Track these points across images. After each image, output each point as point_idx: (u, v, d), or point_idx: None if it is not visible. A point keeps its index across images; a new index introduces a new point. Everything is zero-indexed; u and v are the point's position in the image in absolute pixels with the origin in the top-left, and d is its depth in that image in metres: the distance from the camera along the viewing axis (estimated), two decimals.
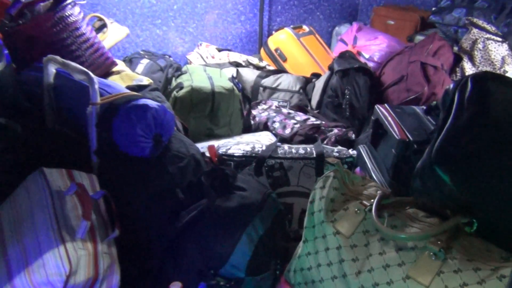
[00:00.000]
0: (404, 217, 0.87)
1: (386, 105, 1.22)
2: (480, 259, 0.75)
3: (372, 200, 0.91)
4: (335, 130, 1.73)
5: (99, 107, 1.12)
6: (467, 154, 0.78)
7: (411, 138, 1.02)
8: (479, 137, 0.78)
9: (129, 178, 1.11)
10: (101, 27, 2.07)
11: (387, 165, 1.10)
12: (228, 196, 1.03)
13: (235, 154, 1.33)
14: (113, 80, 1.65)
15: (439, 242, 0.77)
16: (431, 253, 0.77)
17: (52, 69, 1.25)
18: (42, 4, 1.59)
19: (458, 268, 0.74)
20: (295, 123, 1.79)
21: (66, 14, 1.50)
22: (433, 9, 2.34)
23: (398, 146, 1.04)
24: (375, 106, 1.24)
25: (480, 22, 1.93)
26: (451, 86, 0.86)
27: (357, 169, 1.29)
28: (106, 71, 1.67)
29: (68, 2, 1.52)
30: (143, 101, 1.13)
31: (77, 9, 1.56)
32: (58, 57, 1.21)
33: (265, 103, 2.01)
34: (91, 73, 1.12)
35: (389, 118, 1.13)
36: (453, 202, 0.80)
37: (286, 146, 1.35)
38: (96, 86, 1.12)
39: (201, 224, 1.00)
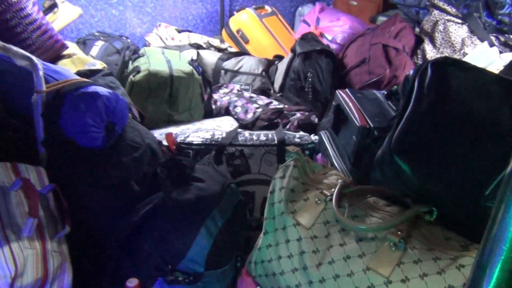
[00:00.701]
0: (364, 207, 0.85)
1: (347, 90, 1.19)
2: (440, 248, 0.74)
3: (332, 190, 0.89)
4: (298, 114, 1.70)
5: (45, 95, 1.05)
6: (427, 142, 0.76)
7: (372, 125, 1.00)
8: (440, 124, 0.77)
9: (80, 170, 1.05)
10: (51, 7, 1.94)
11: (348, 152, 1.09)
12: (185, 188, 0.99)
13: (194, 142, 1.28)
14: (64, 64, 1.56)
15: (399, 233, 0.76)
16: (391, 244, 0.76)
17: None
18: None
19: (418, 259, 0.73)
20: (257, 107, 1.75)
21: None
22: None
23: (359, 133, 1.02)
24: (336, 91, 1.22)
25: (440, 4, 1.93)
26: (411, 72, 0.84)
27: (319, 156, 1.27)
28: (56, 55, 1.57)
29: None
30: (93, 88, 1.06)
31: None
32: None
33: (226, 87, 1.96)
34: (34, 58, 1.04)
35: (350, 104, 1.11)
36: (413, 191, 0.79)
37: (247, 133, 1.32)
38: (41, 73, 1.04)
39: (157, 218, 0.96)
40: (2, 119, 1.19)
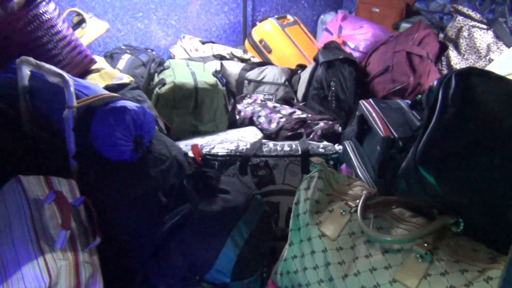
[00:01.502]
0: (390, 218, 0.85)
1: (370, 100, 1.19)
2: (467, 260, 0.74)
3: (357, 201, 0.89)
4: (321, 124, 1.70)
5: (76, 110, 1.09)
6: (452, 153, 0.76)
7: (396, 135, 1.00)
8: (465, 135, 0.77)
9: (109, 182, 1.08)
10: (80, 22, 2.01)
11: (372, 162, 1.09)
12: (211, 199, 1.01)
13: (219, 154, 1.30)
14: (92, 78, 1.60)
15: (425, 244, 0.75)
16: (418, 255, 0.75)
17: (26, 71, 1.20)
18: (15, 1, 1.54)
19: (445, 271, 0.73)
20: (280, 117, 1.77)
21: (41, 11, 1.45)
22: None
23: (383, 143, 1.02)
24: (360, 102, 1.22)
25: (464, 9, 1.91)
26: (435, 83, 0.84)
27: (343, 166, 1.27)
28: (85, 70, 1.62)
29: None
30: (121, 102, 1.10)
31: (52, 5, 1.51)
32: (31, 59, 1.17)
33: (250, 97, 1.98)
34: (65, 75, 1.08)
35: (374, 114, 1.11)
36: (439, 202, 0.79)
37: (271, 144, 1.33)
38: (72, 89, 1.08)
39: (184, 229, 0.98)
40: (36, 134, 1.24)
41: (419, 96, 1.10)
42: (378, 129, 1.04)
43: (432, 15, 2.25)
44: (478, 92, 0.79)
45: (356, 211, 0.87)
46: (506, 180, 0.73)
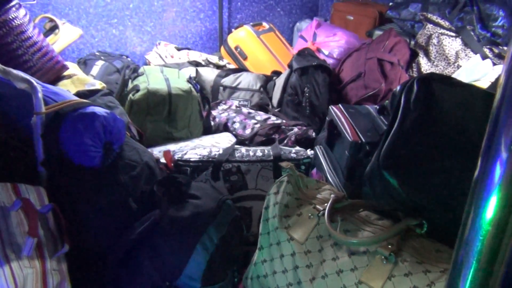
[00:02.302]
0: (357, 221, 0.87)
1: (340, 105, 1.21)
2: (430, 261, 0.76)
3: (325, 204, 0.91)
4: (295, 129, 1.72)
5: (45, 117, 1.07)
6: (414, 157, 0.78)
7: (363, 140, 1.02)
8: (426, 139, 0.79)
9: (79, 189, 1.07)
10: (53, 28, 1.99)
11: (341, 166, 1.10)
12: (181, 205, 1.01)
13: (192, 159, 1.30)
14: (64, 84, 1.59)
15: (389, 246, 0.77)
16: (382, 257, 0.77)
17: None
18: None
19: (408, 271, 0.75)
20: (255, 123, 1.78)
21: (10, 17, 1.43)
22: (390, 4, 2.36)
23: (351, 148, 1.03)
24: (329, 107, 1.24)
25: (434, 18, 1.96)
26: (398, 88, 0.86)
27: (314, 171, 1.29)
28: (56, 76, 1.61)
29: (11, 4, 1.45)
30: (90, 109, 1.09)
31: (22, 12, 1.49)
32: None
33: (225, 103, 1.98)
34: (33, 81, 1.07)
35: (342, 119, 1.13)
36: (403, 205, 0.80)
37: (243, 149, 1.34)
38: (40, 95, 1.07)
39: (154, 235, 0.97)
40: (3, 140, 1.22)
41: (387, 101, 1.12)
42: (346, 134, 1.06)
43: (403, 23, 2.30)
44: (439, 97, 0.81)
45: (323, 214, 0.88)
46: (466, 182, 0.75)
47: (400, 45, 1.90)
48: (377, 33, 2.46)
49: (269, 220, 0.94)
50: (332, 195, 0.92)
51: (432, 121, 0.80)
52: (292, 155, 1.33)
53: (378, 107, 1.16)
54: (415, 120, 0.80)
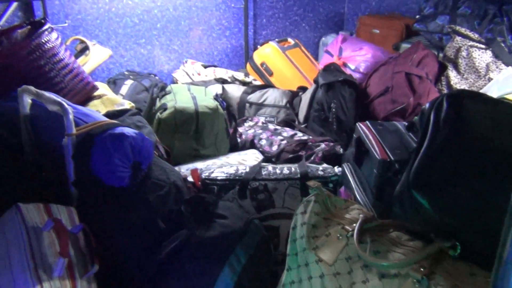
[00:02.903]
0: (387, 242, 0.85)
1: (367, 122, 1.20)
2: (464, 285, 0.73)
3: (354, 225, 0.89)
4: (322, 145, 1.71)
5: (75, 138, 1.10)
6: (445, 177, 0.76)
7: (392, 158, 1.00)
8: (457, 158, 0.77)
9: (108, 209, 1.09)
10: (83, 50, 2.05)
11: (370, 185, 1.09)
12: (208, 225, 1.01)
13: (218, 178, 1.31)
14: (94, 105, 1.63)
15: (421, 269, 0.75)
16: (414, 280, 0.75)
17: (27, 100, 1.23)
18: (19, 31, 1.58)
19: None
20: (282, 140, 1.77)
21: (43, 40, 1.48)
22: (417, 17, 2.34)
23: (379, 166, 1.02)
24: (356, 124, 1.22)
25: (462, 30, 1.92)
26: (427, 105, 0.84)
27: (342, 189, 1.27)
28: (87, 97, 1.65)
29: (44, 28, 1.51)
30: (119, 129, 1.11)
31: (54, 35, 1.54)
32: (32, 88, 1.19)
33: (251, 120, 1.99)
34: (65, 104, 1.10)
35: (370, 136, 1.11)
36: (434, 226, 0.78)
37: (270, 167, 1.33)
38: (71, 117, 1.09)
39: (182, 255, 0.98)
40: (37, 161, 1.25)
41: (416, 118, 1.10)
42: (374, 152, 1.05)
43: (431, 36, 2.27)
44: (469, 114, 0.79)
45: (352, 235, 0.86)
46: (500, 201, 0.73)
47: (429, 59, 1.87)
48: (404, 46, 2.44)
49: (297, 241, 0.93)
50: (361, 215, 0.90)
51: (463, 139, 0.78)
52: (319, 172, 1.31)
53: (406, 124, 1.14)
54: (446, 139, 0.78)
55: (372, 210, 1.06)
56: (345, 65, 2.34)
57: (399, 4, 2.88)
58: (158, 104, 1.86)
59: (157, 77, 2.27)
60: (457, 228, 0.76)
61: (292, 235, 0.95)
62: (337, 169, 1.36)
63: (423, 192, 0.77)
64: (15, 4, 1.92)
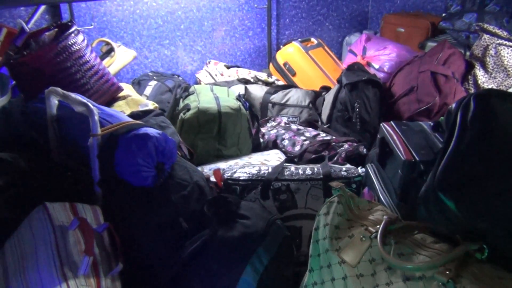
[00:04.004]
0: (411, 244, 0.83)
1: (392, 122, 1.18)
2: None
3: (378, 226, 0.88)
4: (346, 146, 1.69)
5: (100, 138, 1.12)
6: (472, 178, 0.74)
7: (417, 158, 0.98)
8: (484, 159, 0.75)
9: (132, 208, 1.10)
10: (109, 51, 2.09)
11: (394, 186, 1.07)
12: (231, 225, 1.01)
13: (241, 178, 1.31)
14: (119, 105, 1.65)
15: (447, 272, 0.73)
16: (440, 284, 0.73)
17: (54, 101, 1.25)
18: (47, 33, 1.61)
19: None
20: (304, 140, 1.76)
21: (70, 43, 1.51)
22: (443, 15, 2.29)
23: (404, 167, 1.00)
24: (381, 124, 1.21)
25: (491, 28, 1.87)
26: (453, 105, 0.83)
27: (365, 190, 1.26)
28: (112, 97, 1.68)
29: (71, 30, 1.54)
30: (143, 130, 1.12)
31: (80, 37, 1.57)
32: (58, 89, 1.22)
33: (274, 120, 1.99)
34: (90, 104, 1.12)
35: (395, 137, 1.10)
36: (461, 228, 0.76)
37: (292, 167, 1.33)
38: (96, 117, 1.11)
39: (204, 255, 0.98)
40: (63, 161, 1.28)
41: (442, 118, 1.08)
42: (399, 152, 1.03)
43: (458, 34, 2.22)
44: (497, 114, 0.77)
45: (376, 236, 0.85)
46: None
47: (455, 57, 1.83)
48: (430, 44, 2.39)
49: (320, 242, 0.92)
50: (385, 217, 0.89)
51: (491, 139, 0.76)
52: (342, 173, 1.30)
53: (432, 124, 1.12)
54: (473, 139, 0.76)
55: (396, 211, 1.05)
56: (369, 64, 2.31)
57: (424, 2, 2.83)
58: (181, 104, 1.88)
59: (180, 78, 2.29)
60: (484, 231, 0.74)
61: (315, 236, 0.95)
62: (360, 170, 1.34)
63: (450, 194, 0.75)
64: (43, 7, 1.96)
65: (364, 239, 0.87)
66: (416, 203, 0.95)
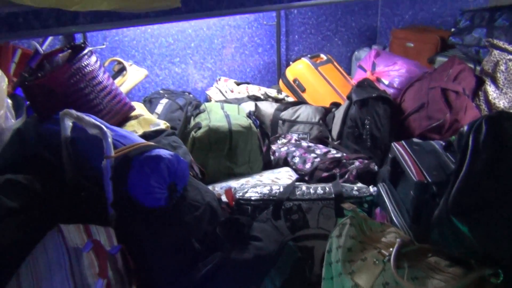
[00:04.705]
0: (425, 268, 0.83)
1: (403, 142, 1.18)
2: None
3: (391, 249, 0.88)
4: (357, 163, 1.69)
5: (114, 160, 1.13)
6: (485, 202, 0.74)
7: (429, 180, 0.98)
8: (498, 183, 0.75)
9: (144, 229, 1.11)
10: (121, 70, 2.12)
11: (407, 207, 1.06)
12: (243, 247, 1.01)
13: (252, 198, 1.31)
14: (131, 125, 1.67)
15: None
16: None
17: (68, 123, 1.27)
18: (60, 55, 1.64)
19: None
20: (315, 157, 1.76)
21: (83, 64, 1.54)
22: (452, 30, 2.29)
23: (416, 188, 1.00)
24: (392, 144, 1.21)
25: (500, 43, 1.87)
26: (465, 128, 0.83)
27: (378, 210, 1.25)
28: (124, 117, 1.69)
29: (85, 52, 1.56)
30: (156, 151, 1.14)
31: (93, 58, 1.60)
32: (73, 112, 1.24)
33: (284, 137, 1.99)
34: (104, 127, 1.14)
35: (406, 157, 1.10)
36: (475, 252, 0.76)
37: (304, 187, 1.33)
38: (110, 140, 1.13)
39: (217, 277, 0.98)
40: (77, 182, 1.29)
41: (453, 137, 1.08)
42: (410, 173, 1.03)
43: (467, 49, 2.22)
44: (510, 137, 0.77)
45: (389, 260, 0.85)
46: None
47: (465, 73, 1.83)
48: (439, 59, 2.39)
49: (332, 265, 0.92)
50: (398, 239, 0.89)
51: (504, 163, 0.76)
52: (354, 192, 1.30)
53: (443, 144, 1.12)
54: (486, 162, 0.76)
55: (409, 233, 1.04)
56: (378, 80, 2.31)
57: (433, 16, 2.84)
58: (192, 122, 1.89)
59: (191, 95, 2.30)
60: (499, 255, 0.73)
61: (328, 258, 0.95)
62: (372, 189, 1.34)
63: (463, 218, 0.75)
64: None
65: (377, 262, 0.87)
66: (429, 225, 0.94)
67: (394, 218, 1.11)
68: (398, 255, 0.85)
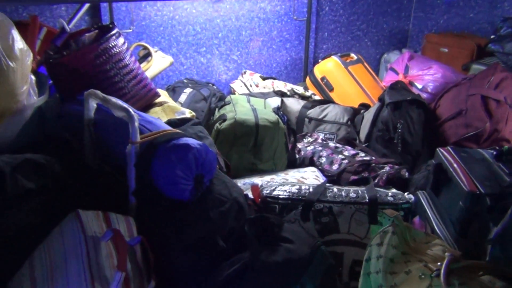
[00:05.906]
0: (478, 287, 0.75)
1: (449, 148, 1.09)
2: None
3: (438, 263, 0.80)
4: (387, 168, 1.61)
5: (139, 146, 1.06)
6: None
7: (483, 191, 0.89)
8: None
9: (167, 222, 1.04)
10: (146, 56, 2.05)
11: (453, 218, 0.98)
12: (273, 248, 0.94)
13: (280, 197, 1.24)
14: (155, 112, 1.61)
15: None
16: None
17: (93, 104, 1.21)
18: (87, 34, 1.59)
19: None
20: (343, 159, 1.68)
21: (110, 45, 1.48)
22: (492, 37, 2.19)
23: (467, 199, 0.91)
24: (437, 150, 1.12)
25: None
26: None
27: (416, 219, 1.17)
28: (148, 103, 1.63)
29: (112, 33, 1.50)
30: (184, 140, 1.07)
31: (121, 40, 1.54)
32: (99, 92, 1.17)
33: (310, 136, 1.91)
34: (131, 111, 1.07)
35: (455, 165, 1.01)
36: None
37: (335, 188, 1.25)
38: (136, 124, 1.06)
39: (244, 280, 0.91)
40: (97, 167, 1.23)
41: (506, 146, 0.99)
42: (460, 182, 0.94)
43: (507, 57, 2.11)
44: None
45: (438, 275, 0.77)
46: None
47: (508, 82, 1.73)
48: (475, 67, 2.29)
49: (371, 275, 0.85)
50: (447, 254, 0.81)
51: None
52: (389, 198, 1.22)
53: (495, 153, 1.03)
54: None
55: (454, 246, 0.96)
56: (411, 83, 2.22)
57: (469, 23, 2.73)
58: (216, 114, 1.82)
59: (215, 87, 2.24)
60: None
61: (366, 267, 0.87)
62: (407, 196, 1.25)
63: None
64: (85, 8, 1.94)
65: (423, 276, 0.79)
66: (478, 239, 0.86)
67: (437, 229, 1.02)
68: (447, 271, 0.77)
